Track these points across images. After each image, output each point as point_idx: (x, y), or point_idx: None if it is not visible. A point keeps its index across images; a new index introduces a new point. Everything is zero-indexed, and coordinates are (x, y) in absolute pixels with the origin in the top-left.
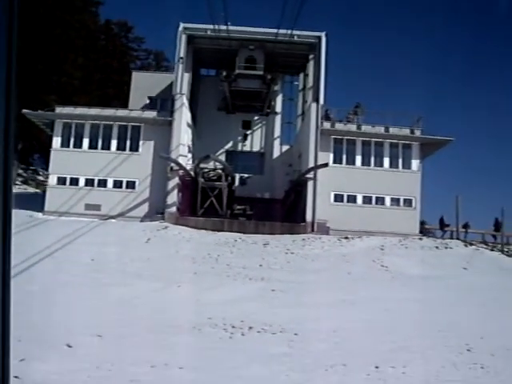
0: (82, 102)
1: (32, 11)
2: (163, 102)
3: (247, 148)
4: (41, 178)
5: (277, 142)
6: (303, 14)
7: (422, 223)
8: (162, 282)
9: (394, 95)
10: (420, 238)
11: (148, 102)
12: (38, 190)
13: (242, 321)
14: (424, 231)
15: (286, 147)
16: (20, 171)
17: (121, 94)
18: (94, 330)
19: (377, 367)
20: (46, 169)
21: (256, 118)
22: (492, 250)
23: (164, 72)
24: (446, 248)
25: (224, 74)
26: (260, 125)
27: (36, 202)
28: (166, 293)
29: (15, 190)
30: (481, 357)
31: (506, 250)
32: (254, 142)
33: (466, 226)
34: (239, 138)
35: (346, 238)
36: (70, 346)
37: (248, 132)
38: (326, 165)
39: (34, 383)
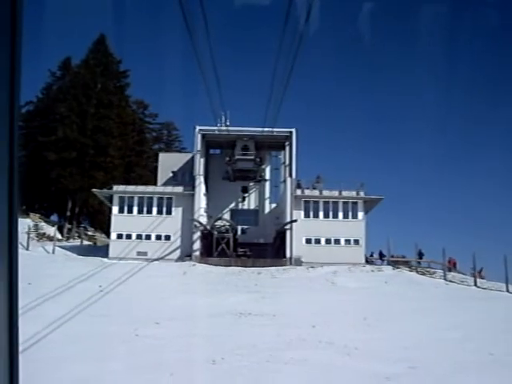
0: (117, 173)
1: (84, 111)
2: (183, 175)
3: (245, 206)
4: (89, 233)
5: (267, 202)
6: (282, 111)
7: (380, 254)
8: (198, 295)
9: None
10: (364, 266)
11: (171, 175)
12: (90, 243)
13: (245, 311)
14: (369, 260)
15: (273, 205)
16: (75, 229)
17: (141, 161)
18: (166, 317)
19: (313, 326)
20: (91, 226)
21: (251, 184)
22: (411, 271)
23: (181, 150)
24: (379, 271)
25: (227, 158)
26: (254, 189)
27: (97, 251)
28: (201, 300)
29: (76, 242)
30: (371, 321)
31: (420, 270)
32: (251, 202)
33: (404, 257)
34: (239, 199)
35: (312, 267)
36: (157, 323)
37: (246, 195)
38: (295, 220)
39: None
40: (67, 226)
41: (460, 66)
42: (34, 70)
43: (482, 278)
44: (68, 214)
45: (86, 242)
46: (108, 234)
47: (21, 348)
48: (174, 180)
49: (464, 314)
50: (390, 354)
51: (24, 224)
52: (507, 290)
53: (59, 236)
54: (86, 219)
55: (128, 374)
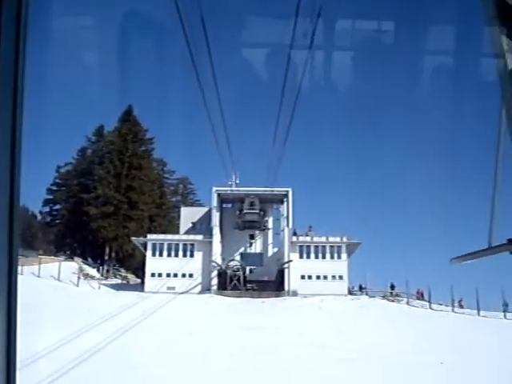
0: (145, 223)
1: (119, 173)
2: (201, 225)
3: (252, 250)
4: (122, 273)
5: (270, 246)
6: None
7: (360, 287)
8: (216, 316)
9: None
10: (346, 296)
11: (191, 225)
12: (124, 282)
13: (254, 326)
14: (351, 292)
15: (275, 249)
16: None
17: (160, 212)
18: (196, 330)
19: (301, 333)
20: (123, 268)
21: (257, 232)
22: (382, 300)
23: (196, 202)
24: (357, 299)
25: (237, 212)
26: (259, 236)
27: (131, 288)
28: (220, 320)
29: (113, 281)
30: (343, 331)
31: (390, 298)
32: (257, 247)
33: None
34: (247, 244)
35: (305, 297)
36: (190, 334)
37: (252, 241)
38: (291, 261)
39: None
40: (105, 267)
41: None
42: (70, 137)
43: (462, 307)
44: (106, 257)
45: (120, 281)
46: (137, 275)
47: (99, 348)
48: (193, 229)
49: (408, 325)
50: (351, 349)
51: (70, 267)
52: (452, 310)
53: (99, 276)
54: (118, 262)
55: (180, 364)
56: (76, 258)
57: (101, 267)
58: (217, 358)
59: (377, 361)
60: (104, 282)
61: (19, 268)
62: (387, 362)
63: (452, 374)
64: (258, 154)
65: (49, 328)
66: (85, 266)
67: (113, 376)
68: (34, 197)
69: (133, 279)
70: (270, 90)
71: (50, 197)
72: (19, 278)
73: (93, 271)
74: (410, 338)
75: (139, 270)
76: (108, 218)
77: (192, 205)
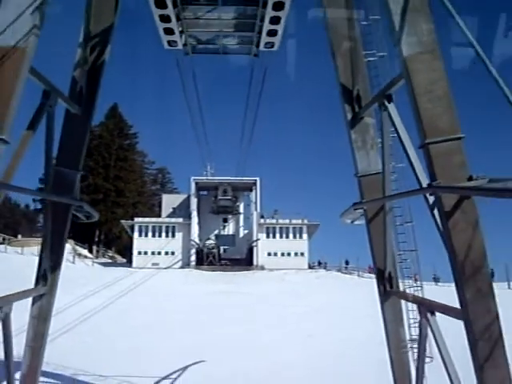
0: (130, 209)
1: (107, 164)
2: (180, 210)
3: (226, 232)
4: (110, 254)
5: (241, 229)
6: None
7: (319, 262)
8: (196, 285)
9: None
10: (306, 269)
11: (171, 210)
12: (111, 261)
13: (228, 291)
14: (312, 266)
15: (246, 231)
16: (101, 251)
17: (142, 199)
18: (180, 295)
19: (267, 296)
20: (110, 249)
21: (230, 216)
22: (337, 272)
23: (173, 190)
24: (316, 272)
25: (212, 198)
26: (232, 220)
27: (119, 265)
28: (198, 288)
29: (102, 260)
30: (300, 295)
31: (344, 271)
32: (229, 229)
33: (332, 264)
34: (221, 227)
35: (271, 270)
36: (175, 297)
37: (226, 224)
38: (258, 239)
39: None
40: (95, 248)
41: None
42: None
43: (416, 281)
44: (96, 239)
45: (109, 260)
46: (123, 255)
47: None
48: (173, 214)
49: (353, 290)
50: (305, 305)
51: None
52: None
53: (91, 255)
54: (106, 244)
55: (168, 318)
56: (69, 240)
57: (93, 247)
58: (200, 310)
59: (324, 313)
60: (95, 260)
61: (20, 249)
62: (331, 313)
63: (377, 322)
64: (230, 146)
65: (59, 293)
66: (77, 247)
67: (118, 323)
68: (26, 186)
69: (119, 259)
70: (243, 83)
71: (42, 186)
72: (22, 257)
73: (84, 251)
74: (352, 299)
75: (125, 251)
76: (98, 204)
77: (170, 192)
